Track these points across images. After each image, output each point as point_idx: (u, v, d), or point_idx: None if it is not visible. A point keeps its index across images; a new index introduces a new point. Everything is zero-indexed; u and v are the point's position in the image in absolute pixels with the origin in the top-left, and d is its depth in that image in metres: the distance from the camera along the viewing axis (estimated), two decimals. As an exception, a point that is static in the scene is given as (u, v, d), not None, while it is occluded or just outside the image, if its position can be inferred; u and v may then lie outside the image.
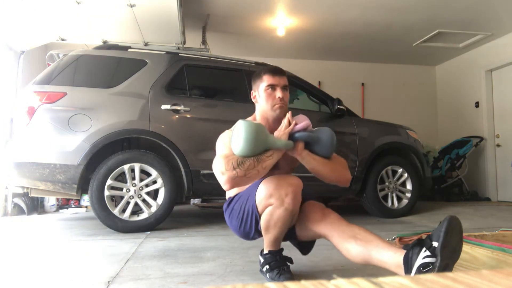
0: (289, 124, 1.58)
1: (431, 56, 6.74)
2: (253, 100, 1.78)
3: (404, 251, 1.32)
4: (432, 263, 1.21)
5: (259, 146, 1.48)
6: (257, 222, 1.59)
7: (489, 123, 6.10)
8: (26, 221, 3.87)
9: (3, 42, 4.42)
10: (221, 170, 1.50)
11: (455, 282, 0.34)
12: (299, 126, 1.58)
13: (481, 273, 0.36)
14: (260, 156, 1.49)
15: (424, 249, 1.26)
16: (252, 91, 1.78)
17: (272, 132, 1.60)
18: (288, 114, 1.61)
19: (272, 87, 1.69)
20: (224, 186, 1.51)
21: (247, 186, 1.65)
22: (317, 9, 4.81)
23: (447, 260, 1.21)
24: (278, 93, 1.68)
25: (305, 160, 1.59)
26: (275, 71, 1.72)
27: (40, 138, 2.93)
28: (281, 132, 1.56)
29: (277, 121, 1.68)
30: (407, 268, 1.28)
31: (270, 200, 1.52)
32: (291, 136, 1.57)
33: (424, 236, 1.64)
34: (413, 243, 1.30)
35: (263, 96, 1.71)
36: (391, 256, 1.34)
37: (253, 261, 1.98)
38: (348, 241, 1.46)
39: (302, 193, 1.59)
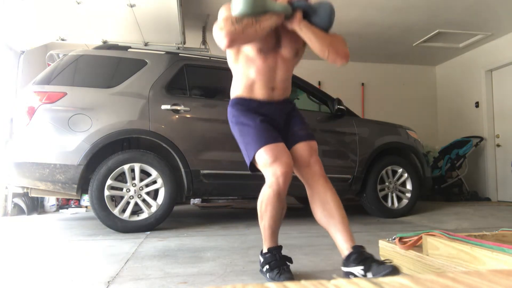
0: None
1: (431, 56, 6.74)
2: None
3: (351, 246, 1.52)
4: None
5: (258, 6, 1.51)
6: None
7: (489, 123, 6.10)
8: (26, 221, 3.87)
9: (3, 42, 4.42)
10: (219, 27, 1.53)
11: (455, 282, 0.34)
12: None
13: (481, 273, 0.36)
14: (259, 17, 1.54)
15: (362, 268, 1.45)
16: None
17: None
18: None
19: None
20: (222, 42, 1.53)
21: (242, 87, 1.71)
22: (317, 9, 4.81)
23: None
24: None
25: (303, 31, 1.61)
26: None
27: (40, 138, 2.93)
28: None
29: None
30: (345, 263, 1.51)
31: (264, 171, 1.61)
32: (290, 5, 1.61)
33: (423, 237, 1.64)
34: (362, 255, 1.48)
35: None
36: (341, 243, 1.56)
37: (253, 261, 1.98)
38: (317, 205, 1.64)
39: (298, 132, 1.72)
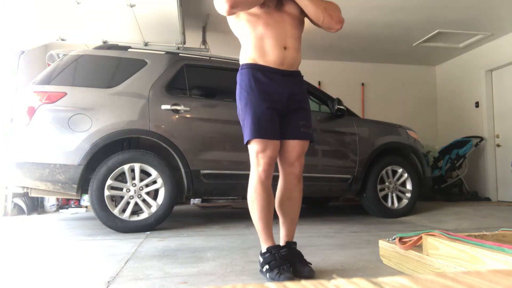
0: None
1: (431, 56, 6.74)
2: None
3: (286, 241, 1.81)
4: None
5: None
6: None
7: (489, 123, 6.10)
8: (26, 221, 3.87)
9: (3, 42, 4.42)
10: None
11: (455, 282, 0.34)
12: None
13: (481, 273, 0.36)
14: None
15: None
16: None
17: None
18: None
19: None
20: (223, 7, 1.57)
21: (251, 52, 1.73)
22: (317, 9, 4.81)
23: None
24: None
25: None
26: None
27: (40, 138, 2.93)
28: None
29: None
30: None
31: (251, 158, 1.72)
32: None
33: (423, 237, 1.64)
34: (290, 253, 1.73)
35: None
36: (282, 234, 1.84)
37: (253, 261, 1.98)
38: (283, 197, 1.81)
39: (296, 128, 1.77)
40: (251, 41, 1.73)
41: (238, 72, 1.79)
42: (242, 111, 1.74)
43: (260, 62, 1.72)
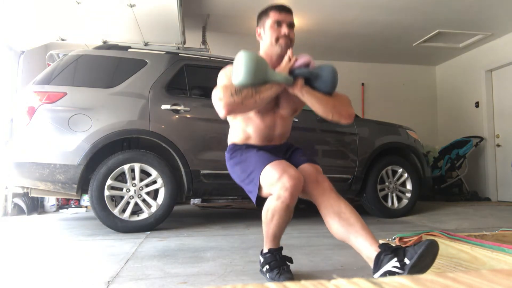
0: (290, 60, 1.60)
1: (431, 56, 6.74)
2: (258, 38, 1.77)
3: (378, 246, 1.38)
4: (398, 274, 1.26)
5: (259, 77, 1.49)
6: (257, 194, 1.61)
7: (489, 123, 6.10)
8: (26, 221, 3.87)
9: (3, 42, 4.42)
10: (219, 97, 1.52)
11: (455, 282, 0.34)
12: (299, 62, 1.60)
13: (481, 273, 0.36)
14: (259, 87, 1.52)
15: (395, 259, 1.29)
16: (257, 28, 1.77)
17: (274, 69, 1.62)
18: (289, 51, 1.63)
19: (278, 23, 1.68)
20: (221, 112, 1.53)
21: (240, 131, 1.72)
22: (317, 9, 4.81)
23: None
24: (284, 29, 1.68)
25: (305, 97, 1.60)
26: (282, 7, 1.72)
27: (40, 138, 2.93)
28: (282, 67, 1.59)
29: (280, 58, 1.68)
30: (376, 266, 1.34)
31: (272, 188, 1.52)
32: (292, 73, 1.59)
33: (423, 237, 1.64)
34: (390, 248, 1.34)
35: (268, 33, 1.70)
36: (365, 247, 1.41)
37: (253, 261, 1.98)
38: (332, 217, 1.51)
39: (299, 158, 1.69)
40: (238, 133, 1.75)
41: (226, 152, 1.79)
42: (242, 171, 1.67)
43: (245, 143, 1.74)
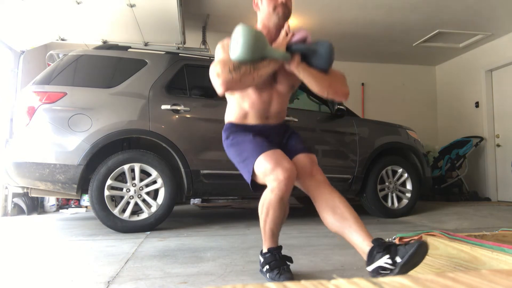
0: (286, 35, 1.61)
1: (431, 56, 6.74)
2: (255, 8, 1.76)
3: (371, 241, 1.42)
4: (390, 270, 1.33)
5: (256, 53, 1.49)
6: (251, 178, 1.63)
7: (489, 123, 6.10)
8: (26, 221, 3.87)
9: (3, 42, 4.42)
10: (216, 72, 1.51)
11: (455, 282, 0.34)
12: (296, 37, 1.60)
13: (481, 273, 0.36)
14: (257, 64, 1.52)
15: (388, 256, 1.34)
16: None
17: (271, 43, 1.62)
18: (286, 25, 1.64)
19: None
20: (219, 89, 1.53)
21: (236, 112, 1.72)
22: (317, 9, 4.81)
23: (404, 272, 1.32)
24: None
25: (301, 74, 1.60)
26: None
27: (40, 138, 2.93)
28: (279, 42, 1.59)
29: (278, 29, 1.68)
30: (369, 260, 1.39)
31: (266, 179, 1.55)
32: (289, 48, 1.59)
33: (423, 237, 1.64)
34: (383, 245, 1.38)
35: (265, 2, 1.69)
36: (359, 242, 1.46)
37: (253, 261, 1.98)
38: (327, 211, 1.56)
39: (296, 146, 1.71)
40: (235, 110, 1.75)
41: (222, 131, 1.79)
42: (237, 154, 1.68)
43: (242, 123, 1.74)
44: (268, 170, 1.53)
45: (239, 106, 1.73)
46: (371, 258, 1.38)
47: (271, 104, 1.73)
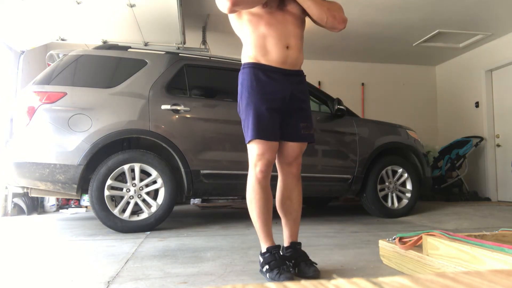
0: None
1: (431, 56, 6.74)
2: None
3: (290, 242, 1.80)
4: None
5: None
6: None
7: (489, 123, 6.10)
8: (26, 221, 3.87)
9: (3, 42, 4.42)
10: None
11: (455, 282, 0.34)
12: None
13: (481, 273, 0.36)
14: None
15: (292, 262, 1.71)
16: None
17: None
18: None
19: None
20: (225, 5, 1.57)
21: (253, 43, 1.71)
22: (317, 9, 4.81)
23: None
24: None
25: None
26: None
27: (40, 138, 2.93)
28: None
29: None
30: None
31: (249, 161, 1.73)
32: None
33: (423, 237, 1.64)
34: (294, 254, 1.76)
35: None
36: (285, 236, 1.84)
37: (253, 261, 1.98)
38: (283, 196, 1.83)
39: (295, 129, 1.77)
40: (253, 41, 1.72)
41: (240, 72, 1.78)
42: (243, 111, 1.74)
43: (262, 61, 1.71)
44: (253, 156, 1.71)
45: (256, 32, 1.70)
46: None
47: (287, 24, 1.72)
